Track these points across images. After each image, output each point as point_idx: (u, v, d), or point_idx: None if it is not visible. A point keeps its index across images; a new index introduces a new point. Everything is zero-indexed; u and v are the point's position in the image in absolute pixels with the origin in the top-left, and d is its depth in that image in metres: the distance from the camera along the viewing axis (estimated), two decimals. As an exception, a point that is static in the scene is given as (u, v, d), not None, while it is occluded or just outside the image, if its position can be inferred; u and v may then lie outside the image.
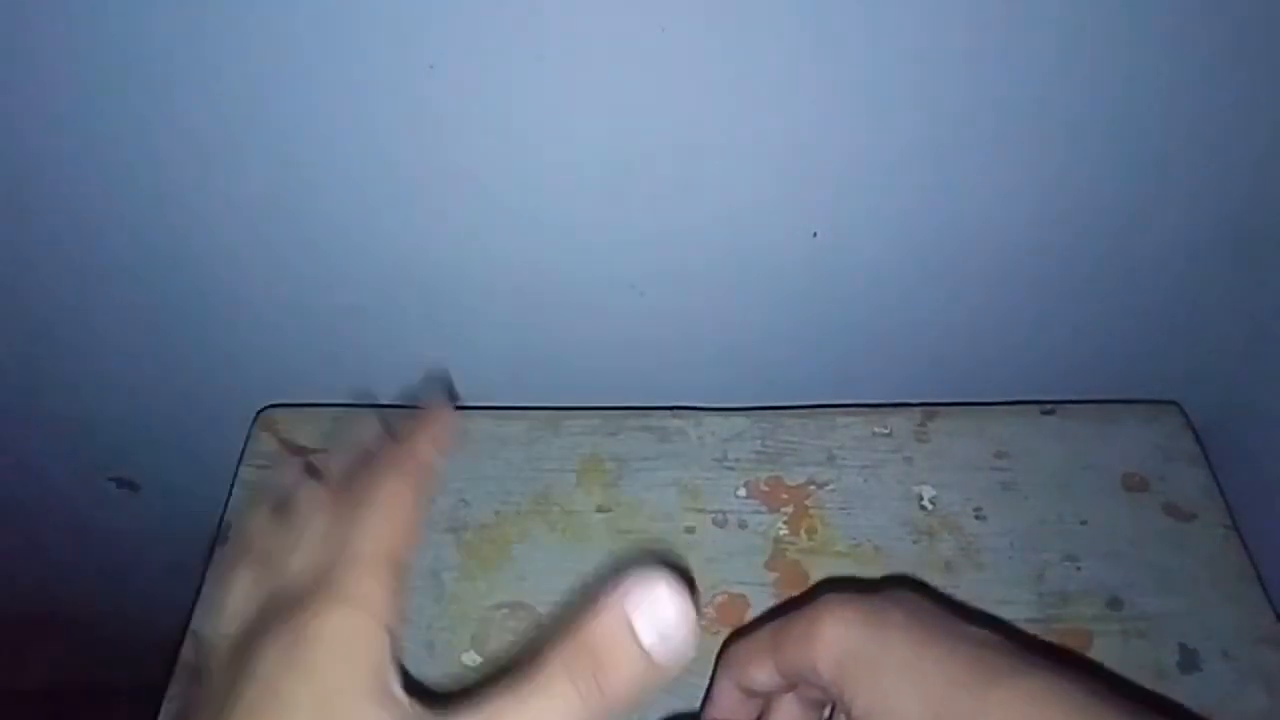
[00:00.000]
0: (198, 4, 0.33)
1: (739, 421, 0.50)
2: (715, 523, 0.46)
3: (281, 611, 0.26)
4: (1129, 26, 0.35)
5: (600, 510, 0.47)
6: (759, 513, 0.47)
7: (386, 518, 0.28)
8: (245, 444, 0.50)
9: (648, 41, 0.35)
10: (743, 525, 0.46)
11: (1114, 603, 0.43)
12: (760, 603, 0.44)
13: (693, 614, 0.24)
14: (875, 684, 0.29)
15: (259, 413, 0.51)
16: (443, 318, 0.49)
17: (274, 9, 0.34)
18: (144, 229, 0.44)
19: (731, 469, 0.48)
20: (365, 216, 0.43)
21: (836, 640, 0.30)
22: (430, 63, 0.35)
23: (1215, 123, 0.39)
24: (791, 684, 0.33)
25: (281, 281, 0.47)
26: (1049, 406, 0.50)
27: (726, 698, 0.35)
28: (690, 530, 0.46)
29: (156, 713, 0.41)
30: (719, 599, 0.44)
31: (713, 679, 0.36)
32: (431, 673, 0.41)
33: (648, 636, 0.24)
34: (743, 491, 0.47)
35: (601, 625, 0.24)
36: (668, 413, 0.51)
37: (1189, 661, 0.41)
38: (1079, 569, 0.44)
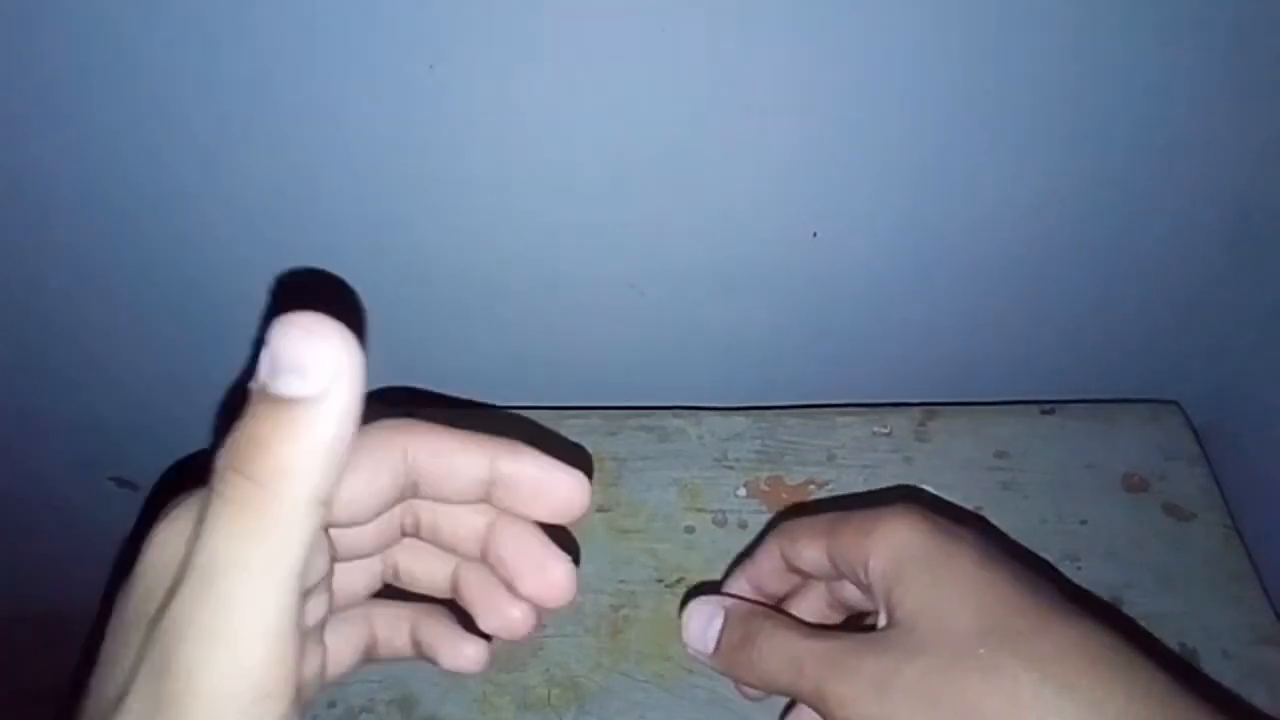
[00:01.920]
0: (198, 3, 0.33)
1: (739, 421, 0.50)
2: (715, 523, 0.46)
3: None
4: (1128, 25, 0.35)
5: (600, 510, 0.47)
6: (759, 513, 0.47)
7: None
8: (245, 444, 0.50)
9: (648, 41, 0.35)
10: (743, 525, 0.46)
11: (1114, 603, 0.43)
12: (760, 603, 0.44)
13: (331, 331, 0.18)
14: (931, 587, 0.28)
15: (259, 413, 0.51)
16: (443, 318, 0.49)
17: (273, 8, 0.34)
18: (143, 228, 0.44)
19: (731, 469, 0.48)
20: (365, 216, 0.43)
21: (900, 540, 0.29)
22: (430, 63, 0.35)
23: (1215, 121, 0.39)
24: (835, 573, 0.32)
25: (281, 281, 0.47)
26: (1049, 406, 0.50)
27: (767, 562, 0.34)
28: (690, 530, 0.46)
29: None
30: (719, 599, 0.44)
31: (759, 543, 0.35)
32: (431, 672, 0.41)
33: (269, 374, 0.18)
34: (743, 491, 0.47)
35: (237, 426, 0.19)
36: (668, 413, 0.51)
37: (1189, 661, 0.41)
38: (1079, 569, 0.44)
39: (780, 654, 0.30)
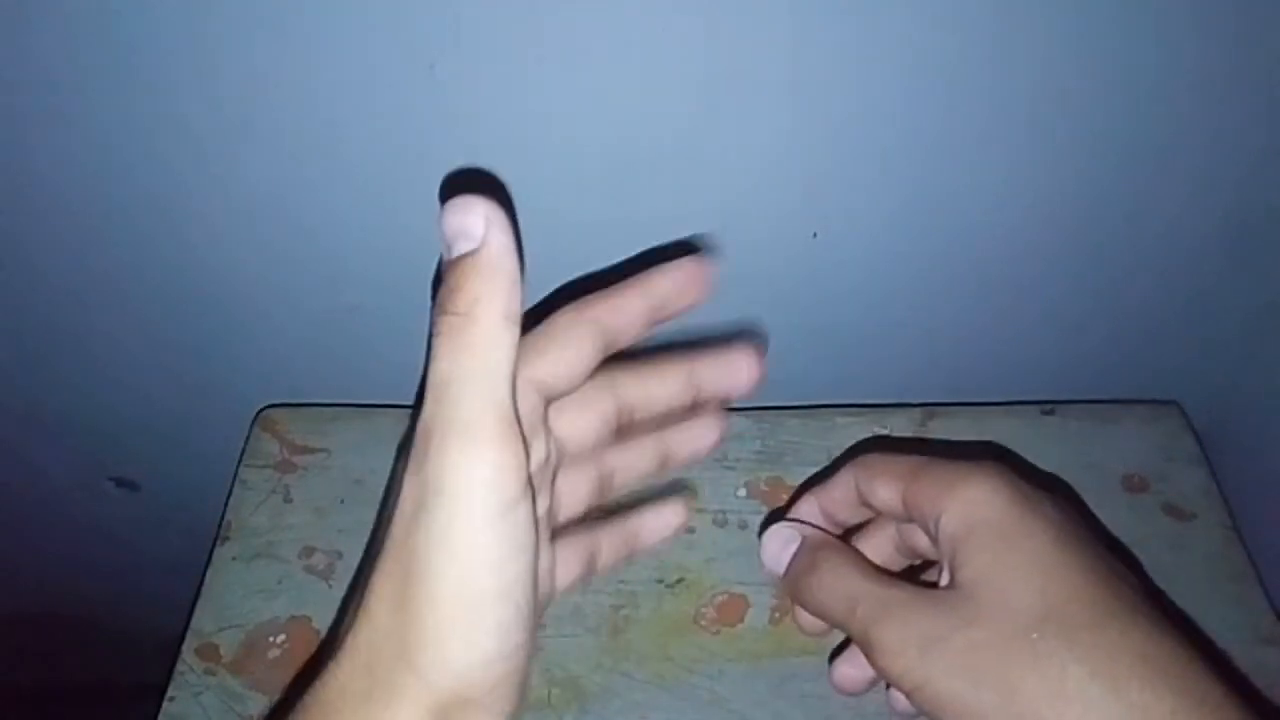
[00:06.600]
0: (199, 2, 0.33)
1: (739, 421, 0.50)
2: (715, 523, 0.46)
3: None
4: (1127, 25, 0.35)
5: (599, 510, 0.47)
6: (759, 513, 0.47)
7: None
8: (245, 444, 0.50)
9: (648, 41, 0.35)
10: (743, 525, 0.46)
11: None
12: (760, 602, 0.44)
13: (476, 200, 0.24)
14: (998, 558, 0.27)
15: (259, 413, 0.51)
16: (443, 318, 0.49)
17: (274, 9, 0.34)
18: (144, 228, 0.44)
19: (731, 469, 0.48)
20: (365, 216, 0.43)
21: (977, 501, 0.28)
22: (430, 62, 0.35)
23: (1214, 121, 0.39)
24: (905, 517, 0.31)
25: (281, 281, 0.47)
26: (1049, 406, 0.50)
27: (840, 492, 0.34)
28: (690, 530, 0.46)
29: (157, 713, 0.41)
30: (719, 599, 0.44)
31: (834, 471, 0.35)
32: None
33: (447, 247, 0.24)
34: (743, 491, 0.47)
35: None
36: (668, 413, 0.51)
37: (1189, 661, 0.41)
38: (1079, 569, 0.44)
39: (839, 588, 0.30)
